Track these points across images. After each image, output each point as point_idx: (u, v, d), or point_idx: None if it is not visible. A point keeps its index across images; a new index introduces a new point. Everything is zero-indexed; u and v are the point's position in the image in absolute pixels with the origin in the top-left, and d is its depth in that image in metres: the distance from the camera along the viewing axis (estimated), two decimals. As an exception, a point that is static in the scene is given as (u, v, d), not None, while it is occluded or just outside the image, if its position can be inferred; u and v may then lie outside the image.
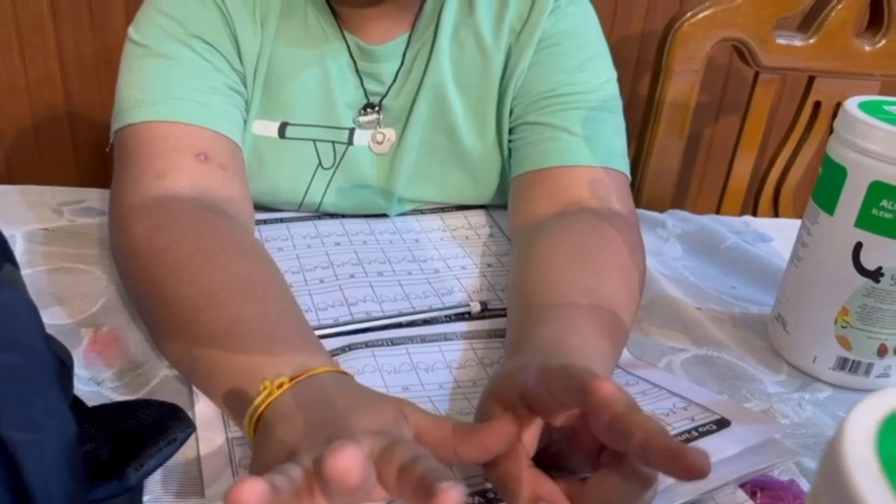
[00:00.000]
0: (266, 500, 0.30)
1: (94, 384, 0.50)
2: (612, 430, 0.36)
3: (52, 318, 0.55)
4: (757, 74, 0.93)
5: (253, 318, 0.47)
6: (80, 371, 0.50)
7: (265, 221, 0.70)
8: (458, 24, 0.68)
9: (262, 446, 0.40)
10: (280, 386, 0.42)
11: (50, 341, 0.36)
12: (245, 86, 0.66)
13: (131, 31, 0.63)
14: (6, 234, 0.42)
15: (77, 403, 0.40)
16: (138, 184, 0.57)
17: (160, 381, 0.51)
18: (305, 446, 0.37)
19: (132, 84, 0.61)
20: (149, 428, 0.37)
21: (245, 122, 0.66)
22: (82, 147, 1.23)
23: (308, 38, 0.66)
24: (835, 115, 0.96)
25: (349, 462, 0.32)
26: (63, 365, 0.37)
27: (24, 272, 0.44)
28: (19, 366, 0.31)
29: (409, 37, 0.68)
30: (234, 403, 0.44)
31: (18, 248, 0.63)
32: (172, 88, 0.61)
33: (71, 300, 0.58)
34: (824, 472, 0.21)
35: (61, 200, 0.71)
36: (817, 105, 0.96)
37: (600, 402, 0.35)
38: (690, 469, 0.33)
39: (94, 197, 0.72)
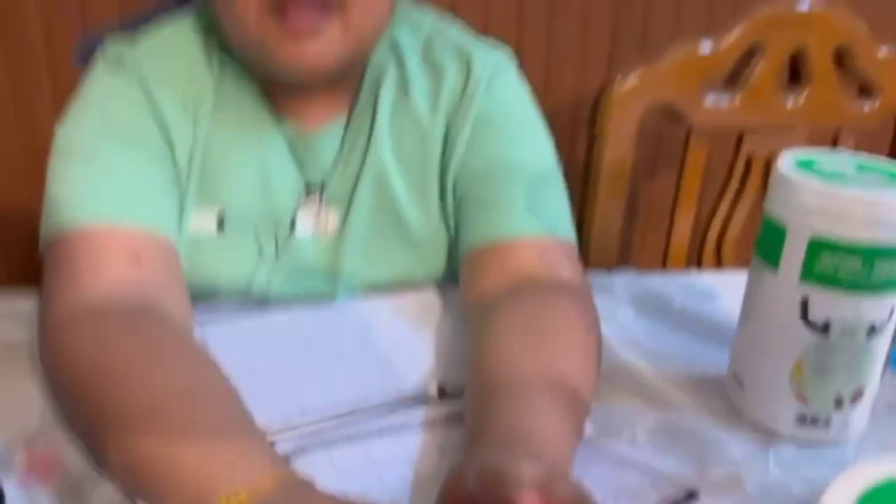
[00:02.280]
0: None
1: (30, 510, 0.46)
2: None
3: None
4: (689, 134, 0.96)
5: (200, 428, 0.44)
6: (16, 492, 0.47)
7: (207, 318, 0.67)
8: (394, 105, 0.68)
9: None
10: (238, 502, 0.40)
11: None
12: (178, 178, 0.64)
13: (59, 130, 0.62)
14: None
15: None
16: (67, 293, 0.55)
17: (101, 499, 0.47)
18: None
19: (59, 186, 0.60)
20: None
21: (180, 215, 0.65)
22: (11, 249, 1.18)
23: (243, 125, 0.66)
24: (767, 169, 0.99)
25: None
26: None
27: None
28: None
29: (347, 119, 0.68)
30: None
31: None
32: (101, 188, 0.59)
33: (3, 419, 0.54)
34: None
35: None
36: (749, 159, 0.99)
37: None
38: None
39: (24, 303, 0.68)
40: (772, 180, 0.55)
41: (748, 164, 0.99)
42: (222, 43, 0.65)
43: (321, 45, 0.59)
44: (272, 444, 0.48)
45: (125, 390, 0.47)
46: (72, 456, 0.51)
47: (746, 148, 0.98)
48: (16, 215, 1.17)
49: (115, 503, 0.47)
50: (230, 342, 0.64)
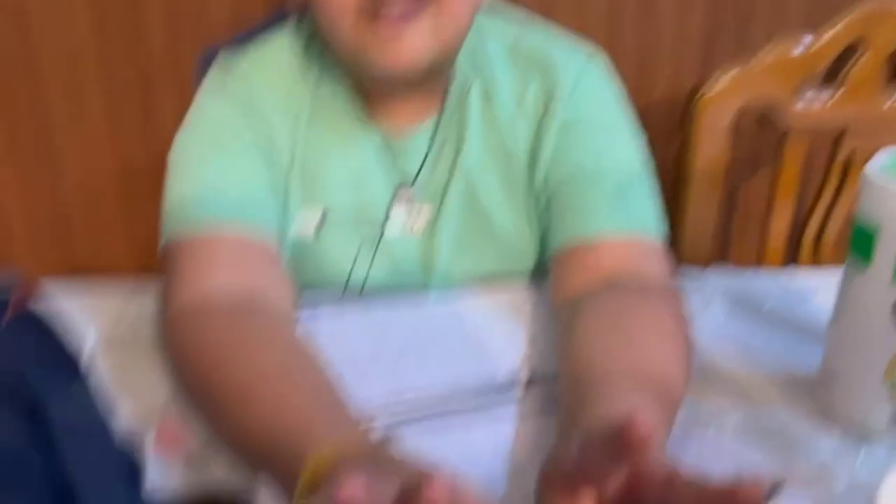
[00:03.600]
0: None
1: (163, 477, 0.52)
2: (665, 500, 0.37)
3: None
4: (785, 134, 0.95)
5: (291, 401, 0.49)
6: (152, 465, 0.53)
7: (311, 313, 0.72)
8: (483, 109, 0.71)
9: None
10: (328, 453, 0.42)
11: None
12: (283, 178, 0.69)
13: (175, 140, 0.68)
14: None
15: None
16: (180, 292, 0.60)
17: (223, 471, 0.53)
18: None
19: (175, 192, 0.66)
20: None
21: (285, 214, 0.70)
22: (141, 255, 1.28)
23: (338, 128, 0.70)
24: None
25: (444, 490, 0.32)
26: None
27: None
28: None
29: (437, 122, 0.71)
30: (289, 486, 0.45)
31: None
32: (211, 194, 0.64)
33: (137, 400, 0.60)
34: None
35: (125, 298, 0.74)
36: (849, 158, 0.96)
37: (638, 441, 0.36)
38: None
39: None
40: (862, 182, 0.55)
41: (847, 163, 0.97)
42: (321, 52, 0.70)
43: (413, 46, 0.63)
44: (371, 424, 0.52)
45: (228, 372, 0.52)
46: (193, 430, 0.57)
47: (846, 147, 0.95)
48: (144, 221, 1.26)
49: (235, 473, 0.53)
50: (334, 335, 0.69)
